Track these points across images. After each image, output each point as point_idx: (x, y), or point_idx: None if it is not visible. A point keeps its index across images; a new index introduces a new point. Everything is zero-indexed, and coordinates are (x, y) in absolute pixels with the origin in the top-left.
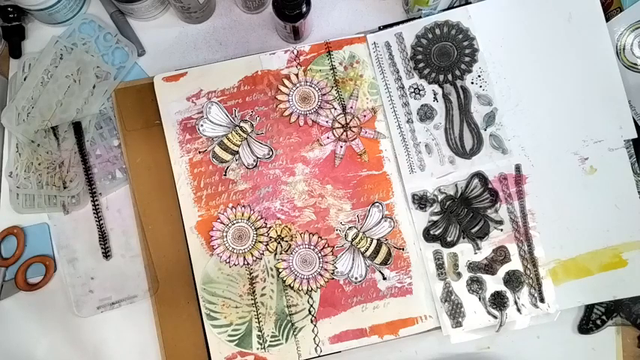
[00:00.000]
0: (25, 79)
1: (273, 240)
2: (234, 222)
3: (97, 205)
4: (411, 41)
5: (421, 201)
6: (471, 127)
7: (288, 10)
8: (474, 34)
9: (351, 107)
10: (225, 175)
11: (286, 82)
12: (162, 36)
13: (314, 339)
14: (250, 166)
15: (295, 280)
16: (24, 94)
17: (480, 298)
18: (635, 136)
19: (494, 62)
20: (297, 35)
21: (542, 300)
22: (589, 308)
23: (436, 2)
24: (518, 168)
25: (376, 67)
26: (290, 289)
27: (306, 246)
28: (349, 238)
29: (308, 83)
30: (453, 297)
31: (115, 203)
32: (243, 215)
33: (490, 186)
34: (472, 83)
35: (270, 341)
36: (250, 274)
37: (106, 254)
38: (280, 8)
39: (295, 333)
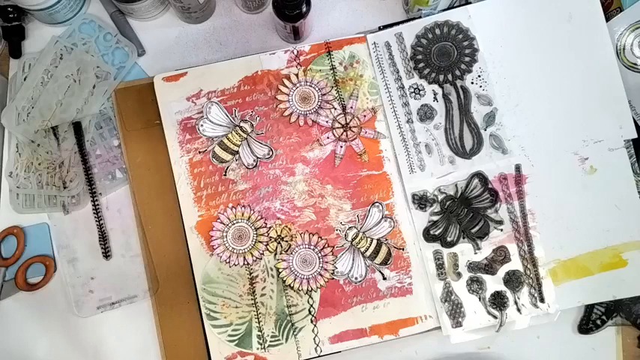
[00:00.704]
0: (25, 79)
1: (273, 240)
2: (234, 222)
3: (97, 205)
4: (411, 41)
5: (421, 201)
6: (471, 127)
7: (288, 10)
8: (474, 34)
9: (351, 107)
10: (225, 175)
11: (286, 82)
12: (162, 36)
13: (314, 339)
14: (250, 166)
15: (295, 280)
16: (24, 94)
17: (479, 298)
18: (635, 136)
19: (494, 62)
20: (297, 35)
21: (542, 300)
22: (589, 308)
23: (436, 2)
24: (518, 168)
25: (376, 67)
26: (290, 289)
27: (306, 246)
28: (349, 238)
29: (308, 83)
30: (453, 297)
31: (115, 203)
32: (243, 215)
33: (490, 186)
34: (472, 83)
35: (270, 341)
36: (250, 274)
37: (106, 254)
38: (280, 8)
39: (295, 333)
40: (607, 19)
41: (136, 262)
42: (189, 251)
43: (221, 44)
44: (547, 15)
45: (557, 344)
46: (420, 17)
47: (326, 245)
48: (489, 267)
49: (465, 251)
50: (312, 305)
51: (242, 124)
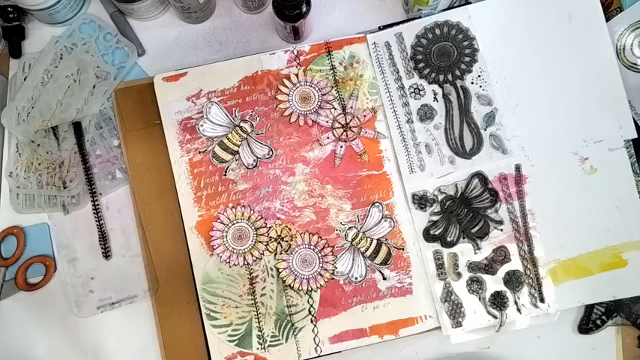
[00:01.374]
0: (25, 79)
1: (273, 240)
2: (234, 222)
3: (97, 205)
4: (411, 41)
5: (421, 201)
6: (471, 127)
7: (288, 10)
8: (474, 34)
9: (351, 107)
10: (225, 175)
11: (286, 82)
12: (162, 36)
13: (314, 339)
14: (250, 166)
15: (295, 280)
16: (24, 94)
17: (480, 298)
18: (635, 136)
19: (494, 62)
20: (297, 35)
21: (542, 300)
22: (589, 308)
23: (436, 2)
24: (518, 168)
25: (376, 67)
26: (290, 289)
27: (306, 246)
28: (349, 238)
29: (308, 83)
30: (453, 297)
31: (115, 203)
32: (243, 215)
33: (490, 186)
34: (472, 83)
35: (270, 341)
36: (250, 274)
37: (106, 254)
38: (280, 8)
39: (295, 333)
40: (607, 19)
41: (136, 262)
42: (189, 251)
43: (221, 44)
44: (547, 15)
45: (557, 344)
46: (420, 17)
47: (326, 245)
48: (489, 267)
49: (465, 251)
50: (312, 305)
51: (242, 124)
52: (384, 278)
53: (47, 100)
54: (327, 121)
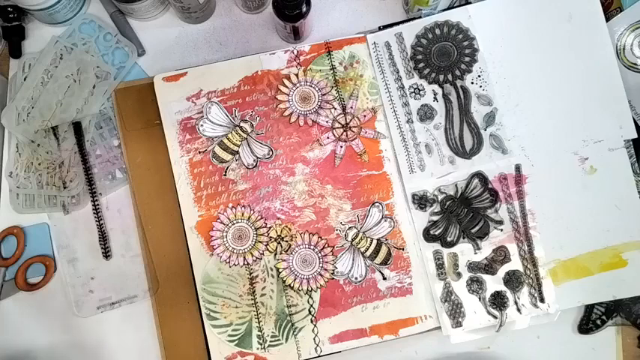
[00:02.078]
0: (25, 79)
1: (273, 240)
2: (234, 222)
3: (97, 205)
4: (411, 41)
5: (421, 201)
6: (471, 127)
7: (288, 10)
8: (474, 34)
9: (351, 107)
10: (225, 175)
11: (286, 82)
12: (162, 36)
13: (314, 339)
14: (250, 166)
15: (295, 280)
16: (24, 94)
17: (479, 298)
18: (635, 136)
19: (494, 62)
20: (297, 35)
21: (542, 300)
22: (589, 308)
23: (436, 2)
24: (518, 168)
25: (376, 67)
26: (290, 289)
27: (306, 246)
28: (349, 238)
29: (308, 83)
30: (453, 297)
31: (115, 203)
32: (243, 215)
33: (490, 186)
34: (472, 83)
35: (270, 341)
36: (250, 274)
37: (106, 254)
38: (280, 8)
39: (295, 333)
40: (607, 19)
41: (136, 262)
42: (189, 251)
43: (221, 44)
44: (547, 15)
45: (557, 344)
46: (420, 17)
47: (326, 245)
48: (489, 267)
49: (465, 251)
50: (312, 305)
51: (242, 124)
52: (384, 278)
53: (47, 100)
54: (327, 121)
